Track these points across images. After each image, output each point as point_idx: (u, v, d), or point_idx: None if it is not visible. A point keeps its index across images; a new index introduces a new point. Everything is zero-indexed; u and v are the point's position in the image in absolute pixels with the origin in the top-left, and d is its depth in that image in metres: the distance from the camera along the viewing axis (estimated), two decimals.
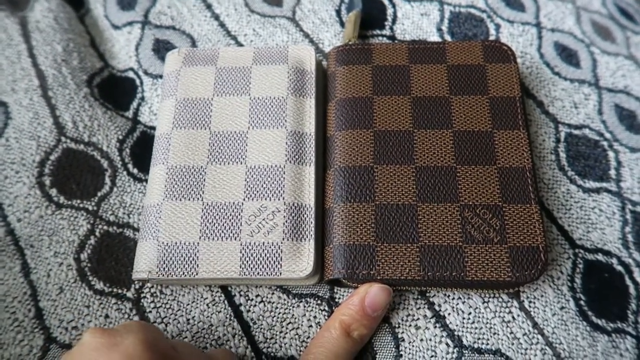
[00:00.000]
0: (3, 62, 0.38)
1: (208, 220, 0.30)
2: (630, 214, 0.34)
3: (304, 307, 0.31)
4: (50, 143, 0.35)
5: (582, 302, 0.31)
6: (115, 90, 0.39)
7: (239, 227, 0.30)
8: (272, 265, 0.29)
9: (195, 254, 0.30)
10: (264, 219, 0.30)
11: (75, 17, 0.42)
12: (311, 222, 0.31)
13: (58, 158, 0.35)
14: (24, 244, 0.32)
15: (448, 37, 0.40)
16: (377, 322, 0.30)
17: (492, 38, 0.40)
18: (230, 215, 0.30)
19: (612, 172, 0.35)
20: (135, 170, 0.36)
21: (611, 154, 0.36)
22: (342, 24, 0.41)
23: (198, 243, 0.30)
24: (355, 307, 0.29)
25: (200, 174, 0.32)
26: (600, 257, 0.33)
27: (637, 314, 0.31)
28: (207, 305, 0.31)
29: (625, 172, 0.35)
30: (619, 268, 0.32)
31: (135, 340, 0.22)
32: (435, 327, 0.30)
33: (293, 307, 0.31)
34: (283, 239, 0.30)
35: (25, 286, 0.31)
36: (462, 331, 0.30)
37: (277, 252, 0.29)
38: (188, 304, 0.31)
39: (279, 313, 0.31)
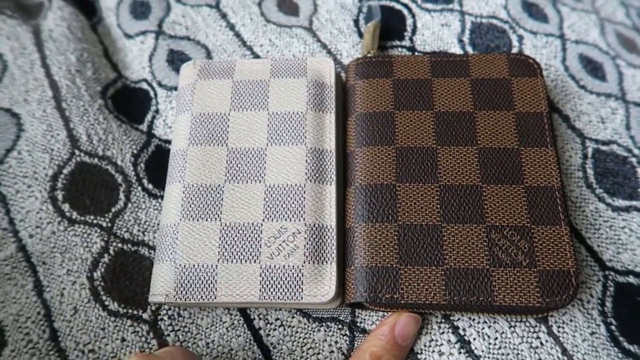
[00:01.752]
0: (15, 72, 0.37)
1: (226, 242, 0.29)
2: None
3: (325, 331, 0.30)
4: (64, 156, 0.34)
5: (613, 327, 0.30)
6: (129, 102, 0.38)
7: (258, 250, 0.29)
8: (293, 289, 0.28)
9: (214, 277, 0.29)
10: (284, 241, 0.29)
11: (88, 26, 0.41)
12: (333, 244, 0.30)
13: (71, 172, 0.34)
14: (36, 261, 0.32)
15: (470, 49, 0.39)
16: (407, 352, 0.29)
17: (514, 50, 0.39)
18: (249, 236, 0.29)
19: None
20: (150, 186, 0.35)
21: None
22: (361, 35, 0.40)
23: (216, 266, 0.29)
24: (386, 338, 0.28)
25: (218, 193, 0.31)
26: (631, 279, 0.31)
27: None
28: (227, 329, 0.30)
29: None
30: None
31: None
32: (460, 352, 0.29)
33: (313, 331, 0.30)
34: (304, 262, 0.29)
35: (38, 305, 0.31)
36: (488, 357, 0.29)
37: (298, 275, 0.28)
38: (207, 328, 0.30)
39: (299, 337, 0.30)
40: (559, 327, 0.30)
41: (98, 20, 0.42)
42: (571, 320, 0.30)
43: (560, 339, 0.29)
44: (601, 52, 0.39)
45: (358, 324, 0.31)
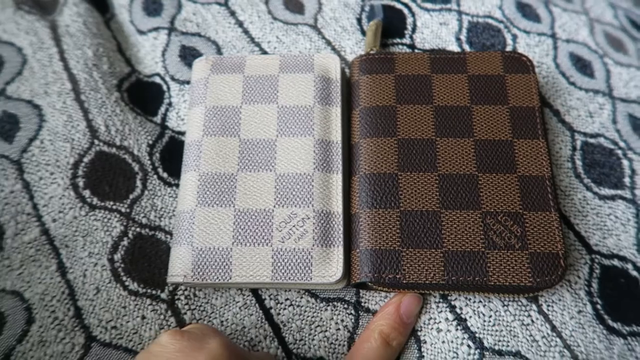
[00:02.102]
0: (35, 65, 0.39)
1: (240, 227, 0.31)
2: None
3: (332, 310, 0.32)
4: (84, 146, 0.36)
5: (598, 306, 0.32)
6: (143, 95, 0.40)
7: (270, 234, 0.31)
8: (302, 271, 0.30)
9: (229, 259, 0.31)
10: (294, 226, 0.31)
11: (102, 22, 0.43)
12: (339, 229, 0.32)
13: (91, 160, 0.36)
14: (58, 244, 0.34)
15: (467, 47, 0.41)
16: (411, 329, 0.31)
17: (509, 48, 0.41)
18: (262, 221, 0.32)
19: (627, 180, 0.36)
20: (165, 175, 0.37)
21: (625, 162, 0.37)
22: (363, 32, 0.42)
23: (231, 248, 0.31)
24: (392, 316, 0.30)
25: (231, 181, 0.33)
26: (616, 262, 0.34)
27: None
28: (239, 308, 0.32)
29: (639, 180, 0.36)
30: (634, 273, 0.33)
31: (219, 343, 0.23)
32: (457, 329, 0.31)
33: (321, 310, 0.32)
34: (313, 245, 0.31)
35: (62, 285, 0.32)
36: (483, 333, 0.31)
37: (307, 258, 0.31)
38: (221, 307, 0.32)
39: (308, 316, 0.32)
40: (548, 305, 0.32)
41: (111, 17, 0.44)
42: (560, 300, 0.32)
43: (550, 316, 0.32)
44: (590, 50, 0.42)
45: (362, 304, 0.33)
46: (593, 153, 0.37)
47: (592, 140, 0.38)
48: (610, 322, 0.32)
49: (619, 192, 0.36)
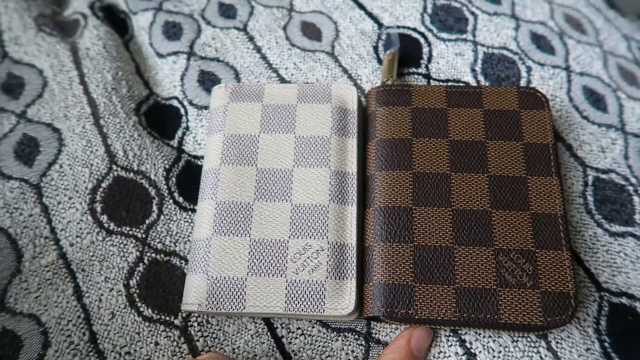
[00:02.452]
0: (55, 88, 0.39)
1: (255, 257, 0.32)
2: None
3: (342, 341, 0.33)
4: (102, 171, 0.37)
5: (606, 344, 0.32)
6: (160, 118, 0.41)
7: (284, 265, 0.32)
8: (315, 303, 0.31)
9: (243, 289, 0.31)
10: (308, 257, 0.32)
11: (122, 45, 0.43)
12: (353, 261, 0.32)
13: (109, 186, 0.36)
14: (75, 268, 0.34)
15: (481, 78, 0.42)
16: None
17: (523, 80, 0.41)
18: (277, 252, 0.32)
19: (637, 217, 0.37)
20: (180, 199, 0.37)
21: (636, 199, 0.37)
22: (380, 61, 0.42)
23: (246, 278, 0.31)
24: (403, 350, 0.31)
25: (248, 210, 0.33)
26: (624, 300, 0.34)
27: None
28: (251, 336, 0.33)
29: None
30: None
31: None
32: None
33: (332, 340, 0.33)
34: (327, 277, 0.31)
35: (78, 310, 0.33)
36: None
37: (320, 290, 0.31)
38: (233, 334, 0.33)
39: (319, 346, 0.33)
40: (557, 342, 0.32)
41: (130, 38, 0.44)
42: (569, 337, 0.32)
43: (559, 353, 0.32)
44: (604, 84, 0.42)
45: (373, 335, 0.33)
46: (604, 189, 0.38)
47: (603, 176, 0.38)
48: None
49: (629, 229, 0.36)
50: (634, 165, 0.39)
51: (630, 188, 0.38)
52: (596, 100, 0.41)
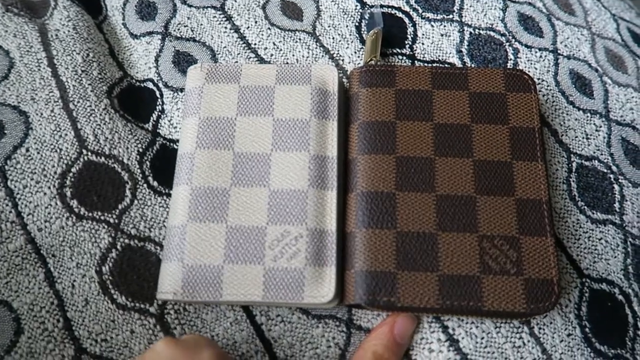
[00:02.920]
0: (22, 70, 0.37)
1: (232, 244, 0.31)
2: (631, 246, 0.35)
3: (323, 328, 0.32)
4: (72, 156, 0.35)
5: (587, 329, 0.32)
6: (134, 101, 0.39)
7: (262, 252, 0.31)
8: (294, 290, 0.30)
9: (220, 277, 0.30)
10: (287, 244, 0.31)
11: (93, 26, 0.41)
12: (333, 248, 0.31)
13: (79, 170, 0.35)
14: (45, 253, 0.33)
15: (467, 60, 0.41)
16: (404, 349, 0.31)
17: (510, 62, 0.41)
18: (254, 239, 0.31)
19: (617, 205, 0.37)
20: (155, 183, 0.36)
21: (616, 187, 0.37)
22: (362, 41, 0.41)
23: (222, 266, 0.30)
24: (386, 336, 0.30)
25: (224, 196, 0.32)
26: (604, 286, 0.34)
27: (634, 341, 0.33)
28: (230, 323, 0.32)
29: (627, 206, 0.37)
30: (620, 297, 0.34)
31: (212, 354, 0.24)
32: (449, 350, 0.31)
33: (312, 327, 0.32)
34: (306, 264, 0.30)
35: (51, 296, 0.32)
36: (475, 355, 0.31)
37: (299, 277, 0.30)
38: (211, 322, 0.32)
39: (299, 333, 0.32)
40: (540, 328, 0.32)
41: (103, 19, 0.42)
42: (551, 323, 0.32)
43: (541, 339, 0.32)
44: (590, 68, 0.41)
45: (354, 322, 0.33)
46: (587, 176, 0.37)
47: (587, 163, 0.38)
48: (597, 345, 0.32)
49: (610, 217, 0.36)
50: (616, 154, 0.38)
51: (612, 176, 0.37)
52: (582, 85, 0.40)
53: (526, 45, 0.41)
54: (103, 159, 0.36)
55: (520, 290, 0.30)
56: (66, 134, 0.36)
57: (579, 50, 0.42)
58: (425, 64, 0.40)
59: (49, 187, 0.34)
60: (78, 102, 0.37)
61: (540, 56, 0.41)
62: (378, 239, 0.31)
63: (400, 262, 0.31)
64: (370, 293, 0.30)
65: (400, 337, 0.31)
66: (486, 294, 0.30)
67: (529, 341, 0.32)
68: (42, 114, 0.36)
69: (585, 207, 0.36)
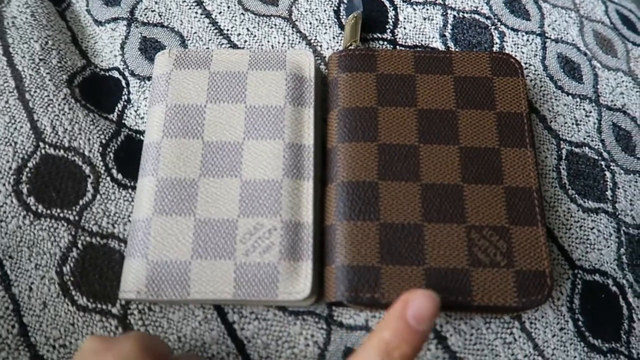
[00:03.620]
0: None
1: (200, 238, 0.28)
2: (625, 235, 0.34)
3: (301, 325, 0.30)
4: (28, 149, 0.33)
5: (580, 323, 0.31)
6: (98, 91, 0.36)
7: (233, 246, 0.28)
8: (268, 287, 0.28)
9: (187, 274, 0.28)
10: (259, 238, 0.29)
11: (54, 12, 0.39)
12: (309, 241, 0.29)
13: (36, 165, 0.32)
14: (1, 255, 0.30)
15: (451, 44, 0.39)
16: (424, 340, 0.24)
17: (496, 47, 0.39)
18: (224, 232, 0.29)
19: (609, 193, 0.35)
20: (119, 176, 0.33)
21: (608, 175, 0.36)
22: (341, 26, 0.39)
23: (190, 262, 0.28)
24: (397, 321, 0.23)
25: (193, 187, 0.30)
26: (597, 277, 0.32)
27: (629, 334, 0.31)
28: (199, 322, 0.30)
29: (620, 194, 0.35)
30: (614, 289, 0.32)
31: (132, 343, 0.22)
32: (437, 348, 0.29)
33: (289, 324, 0.30)
34: (280, 259, 0.28)
35: (7, 300, 0.29)
36: (464, 353, 0.29)
37: (273, 272, 0.28)
38: (178, 322, 0.30)
39: (275, 331, 0.30)
40: (531, 323, 0.30)
41: (67, 6, 0.40)
42: (542, 317, 0.30)
43: (533, 334, 0.30)
44: (579, 52, 0.40)
45: (335, 318, 0.30)
46: (578, 163, 0.36)
47: (577, 150, 0.36)
48: (591, 339, 0.31)
49: (602, 205, 0.34)
50: (607, 140, 0.37)
51: (603, 163, 0.36)
52: (571, 69, 0.39)
53: (512, 29, 0.40)
54: (62, 151, 0.33)
55: (511, 283, 0.28)
56: (22, 127, 0.33)
57: (567, 34, 0.40)
58: (408, 49, 0.39)
59: (4, 184, 0.32)
60: (35, 92, 0.34)
61: (527, 40, 0.39)
62: (360, 232, 0.29)
63: (384, 255, 0.29)
64: (353, 289, 0.28)
65: (417, 321, 0.23)
66: (476, 288, 0.28)
67: (520, 337, 0.30)
68: None
69: (576, 196, 0.34)
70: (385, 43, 0.39)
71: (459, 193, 0.30)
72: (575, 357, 0.30)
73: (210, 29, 0.38)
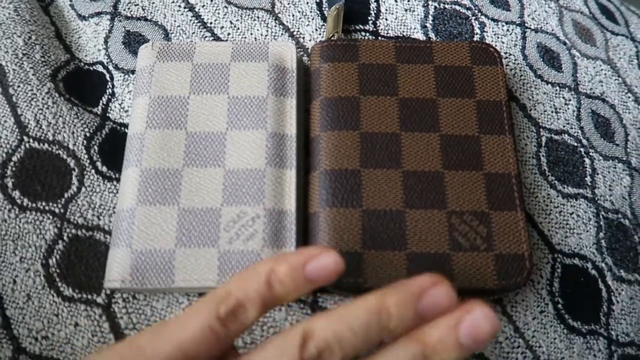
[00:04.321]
0: None
1: (184, 227, 0.29)
2: (604, 220, 0.34)
3: (286, 311, 0.30)
4: (12, 144, 0.33)
5: (559, 306, 0.31)
6: (82, 85, 0.37)
7: (217, 234, 0.29)
8: None
9: (171, 262, 0.28)
10: (243, 225, 0.29)
11: (37, 7, 0.39)
12: (292, 228, 0.29)
13: (21, 159, 0.32)
14: None
15: (432, 35, 0.39)
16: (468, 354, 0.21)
17: (477, 37, 0.39)
18: (208, 221, 0.29)
19: (588, 179, 0.36)
20: (104, 169, 0.33)
21: (587, 161, 0.36)
22: (324, 18, 0.39)
23: (174, 250, 0.28)
24: (448, 336, 0.20)
25: (176, 177, 0.30)
26: (576, 261, 0.33)
27: (608, 316, 0.32)
28: (183, 310, 0.30)
29: (599, 179, 0.36)
30: (593, 272, 0.33)
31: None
32: None
33: (274, 310, 0.30)
34: (263, 246, 0.29)
35: None
36: None
37: (256, 260, 0.28)
38: (162, 309, 0.30)
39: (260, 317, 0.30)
40: (512, 306, 0.31)
41: (50, 1, 0.40)
42: (523, 300, 0.31)
43: (513, 317, 0.31)
44: (558, 41, 0.40)
45: (320, 304, 0.31)
46: (557, 150, 0.36)
47: (556, 137, 0.37)
48: (570, 321, 0.31)
49: (581, 190, 0.35)
50: (586, 127, 0.37)
51: (582, 150, 0.37)
52: (551, 58, 0.40)
53: (492, 19, 0.40)
54: (46, 145, 0.33)
55: (491, 266, 0.29)
56: (5, 121, 0.33)
57: (547, 24, 0.41)
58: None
59: None
60: (18, 86, 0.34)
61: (507, 30, 0.40)
62: (343, 218, 0.30)
63: (367, 241, 0.29)
64: None
65: (475, 342, 0.20)
66: (456, 272, 0.29)
67: (500, 319, 0.30)
68: None
69: (556, 182, 0.35)
70: (367, 34, 0.39)
71: (439, 179, 0.31)
72: (555, 338, 0.30)
73: (194, 22, 0.39)
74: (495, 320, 0.21)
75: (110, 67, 0.37)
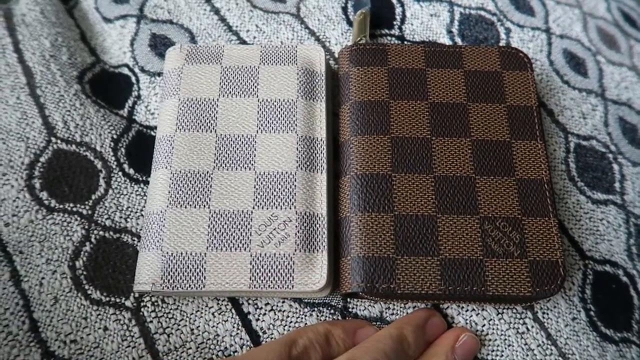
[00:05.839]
0: None
1: (215, 230, 0.29)
2: (634, 226, 0.34)
3: (317, 316, 0.30)
4: (40, 144, 0.33)
5: (592, 313, 0.31)
6: (108, 87, 0.36)
7: (248, 237, 0.28)
8: (283, 278, 0.28)
9: (202, 266, 0.28)
10: (274, 229, 0.29)
11: (63, 10, 0.39)
12: (324, 232, 0.29)
13: (49, 160, 0.32)
14: (12, 250, 0.30)
15: (459, 40, 0.39)
16: None
17: (502, 42, 0.39)
18: (239, 224, 0.29)
19: (617, 185, 0.35)
20: (131, 171, 0.33)
21: (616, 167, 0.36)
22: (349, 22, 0.39)
23: (205, 254, 0.28)
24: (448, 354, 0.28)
25: (207, 179, 0.30)
26: (608, 268, 0.33)
27: None
28: (213, 314, 0.30)
29: (628, 186, 0.36)
30: (625, 279, 0.32)
31: None
32: None
33: (305, 316, 0.30)
34: (295, 250, 0.28)
35: (16, 296, 0.29)
36: None
37: (289, 264, 0.28)
38: (192, 313, 0.29)
39: (291, 322, 0.30)
40: (544, 313, 0.30)
41: (74, 4, 0.40)
42: (555, 307, 0.31)
43: (545, 324, 0.30)
44: (584, 47, 0.40)
45: (350, 309, 0.30)
46: (586, 156, 0.36)
47: (585, 143, 0.36)
48: (603, 328, 0.31)
49: (610, 196, 0.35)
50: (613, 133, 0.37)
51: (610, 156, 0.36)
52: (577, 64, 0.39)
53: (518, 25, 0.40)
54: (74, 146, 0.33)
55: (525, 273, 0.28)
56: (33, 122, 0.33)
57: (572, 30, 0.41)
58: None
59: (17, 179, 0.32)
60: (46, 87, 0.34)
61: (533, 35, 0.40)
62: (375, 223, 0.29)
63: (399, 246, 0.29)
64: (369, 280, 0.28)
65: (461, 357, 0.28)
66: (490, 278, 0.28)
67: (532, 327, 0.30)
68: (7, 101, 0.33)
69: (585, 188, 0.35)
70: (393, 39, 0.39)
71: (471, 185, 0.30)
72: (588, 346, 0.30)
73: (219, 26, 0.39)
74: (477, 340, 0.29)
75: (136, 70, 0.37)
